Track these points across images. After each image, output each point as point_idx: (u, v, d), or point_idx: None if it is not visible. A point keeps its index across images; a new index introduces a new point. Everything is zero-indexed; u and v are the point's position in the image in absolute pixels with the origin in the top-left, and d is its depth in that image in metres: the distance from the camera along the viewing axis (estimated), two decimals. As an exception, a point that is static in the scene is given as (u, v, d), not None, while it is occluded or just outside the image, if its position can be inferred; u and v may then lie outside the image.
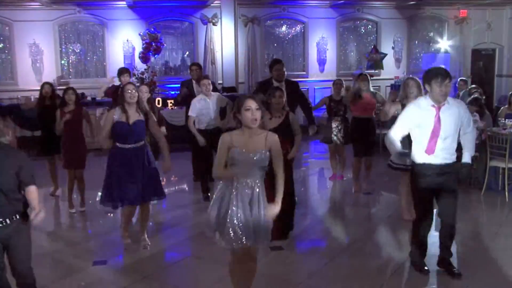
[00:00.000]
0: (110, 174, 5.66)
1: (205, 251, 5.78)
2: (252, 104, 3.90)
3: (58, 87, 11.52)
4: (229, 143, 3.95)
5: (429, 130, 4.68)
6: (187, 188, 8.77)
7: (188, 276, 5.24)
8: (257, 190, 3.96)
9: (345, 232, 6.55)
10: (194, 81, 8.65)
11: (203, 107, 7.46)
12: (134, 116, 5.60)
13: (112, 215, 7.02)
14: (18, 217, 3.78)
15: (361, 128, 7.70)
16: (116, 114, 5.58)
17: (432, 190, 4.84)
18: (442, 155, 4.73)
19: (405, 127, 4.87)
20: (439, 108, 4.64)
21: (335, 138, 8.27)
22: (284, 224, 5.78)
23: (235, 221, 3.89)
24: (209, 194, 7.70)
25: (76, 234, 6.64)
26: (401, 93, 6.33)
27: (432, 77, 4.60)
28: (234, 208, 3.91)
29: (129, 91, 5.57)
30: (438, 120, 4.64)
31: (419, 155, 4.81)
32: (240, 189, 3.93)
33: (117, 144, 5.62)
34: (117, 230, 6.26)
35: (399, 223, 6.54)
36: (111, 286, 5.00)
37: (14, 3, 13.55)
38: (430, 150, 4.72)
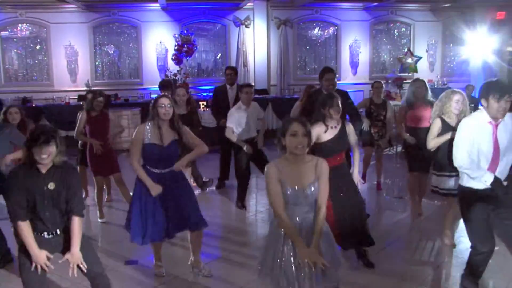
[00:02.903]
0: (134, 201, 4.93)
1: (234, 254, 5.80)
2: (299, 129, 3.47)
3: (93, 88, 11.78)
4: (278, 176, 3.52)
5: (487, 150, 4.18)
6: (216, 190, 8.79)
7: (218, 277, 5.26)
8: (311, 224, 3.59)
9: (377, 237, 6.47)
10: (228, 86, 8.43)
11: (241, 118, 7.16)
12: (168, 135, 4.81)
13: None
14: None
15: (416, 140, 6.79)
16: (147, 133, 4.78)
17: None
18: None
19: (469, 146, 4.24)
20: (496, 126, 4.17)
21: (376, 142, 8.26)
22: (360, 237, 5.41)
23: (288, 270, 3.51)
24: (245, 204, 7.62)
25: (110, 234, 6.74)
26: (440, 106, 5.73)
27: (489, 91, 4.09)
28: (288, 253, 3.53)
29: (163, 106, 4.76)
30: (496, 139, 4.15)
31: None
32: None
33: (147, 166, 4.87)
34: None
35: (433, 228, 6.44)
36: (142, 285, 5.06)
37: (51, 6, 13.84)
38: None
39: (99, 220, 7.14)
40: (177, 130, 4.85)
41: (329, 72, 6.69)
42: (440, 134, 5.68)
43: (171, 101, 4.86)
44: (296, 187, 3.51)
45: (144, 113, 8.95)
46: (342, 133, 5.24)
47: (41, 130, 3.61)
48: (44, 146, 3.52)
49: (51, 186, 3.63)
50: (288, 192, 3.51)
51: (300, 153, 3.50)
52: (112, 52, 14.62)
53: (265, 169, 3.59)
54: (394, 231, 6.66)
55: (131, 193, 5.65)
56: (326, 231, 3.69)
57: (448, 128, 5.61)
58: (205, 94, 14.07)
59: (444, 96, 5.72)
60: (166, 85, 8.22)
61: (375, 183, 8.75)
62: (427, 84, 6.94)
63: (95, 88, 12.06)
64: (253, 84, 7.48)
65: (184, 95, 6.97)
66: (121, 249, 6.04)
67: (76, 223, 3.77)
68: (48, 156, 3.56)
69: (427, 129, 6.19)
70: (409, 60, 14.99)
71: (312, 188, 3.54)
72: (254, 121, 7.31)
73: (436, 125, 5.72)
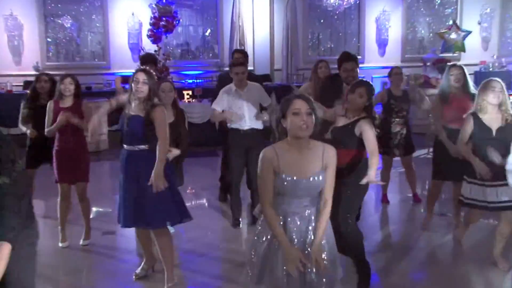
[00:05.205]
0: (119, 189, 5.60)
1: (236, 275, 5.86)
2: (302, 106, 3.63)
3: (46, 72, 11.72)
4: (274, 162, 3.69)
5: None
6: (220, 203, 8.81)
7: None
8: (313, 224, 3.81)
9: (414, 262, 6.57)
10: None
11: (233, 102, 7.03)
12: (136, 109, 5.27)
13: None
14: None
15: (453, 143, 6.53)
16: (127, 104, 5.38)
17: None
18: None
19: None
20: None
21: (395, 148, 8.06)
22: None
23: (279, 274, 3.75)
24: (240, 219, 7.58)
25: (69, 262, 6.60)
26: (476, 101, 5.87)
27: None
28: (279, 256, 3.74)
29: (136, 81, 5.19)
30: None
31: None
32: (290, 227, 3.75)
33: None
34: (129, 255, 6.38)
35: (482, 255, 6.50)
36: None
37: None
38: None
39: (59, 244, 6.92)
40: (146, 109, 5.21)
41: (347, 61, 6.59)
42: (474, 135, 5.79)
43: (149, 76, 5.22)
44: (295, 177, 3.67)
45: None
46: (353, 128, 5.20)
47: None
48: None
49: None
50: (285, 183, 3.68)
51: (305, 134, 3.65)
52: (69, 25, 14.61)
53: (261, 153, 3.75)
54: (434, 257, 6.73)
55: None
56: (329, 233, 3.94)
57: (482, 128, 5.71)
58: (190, 81, 14.06)
59: (480, 87, 5.83)
60: (148, 60, 8.04)
61: (410, 195, 8.75)
62: (466, 71, 6.85)
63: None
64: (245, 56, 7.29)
65: (170, 91, 6.58)
66: (83, 280, 6.07)
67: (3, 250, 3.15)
68: None
69: None
70: (454, 36, 14.95)
71: (317, 179, 3.72)
72: (252, 109, 7.11)
73: (467, 124, 5.84)
